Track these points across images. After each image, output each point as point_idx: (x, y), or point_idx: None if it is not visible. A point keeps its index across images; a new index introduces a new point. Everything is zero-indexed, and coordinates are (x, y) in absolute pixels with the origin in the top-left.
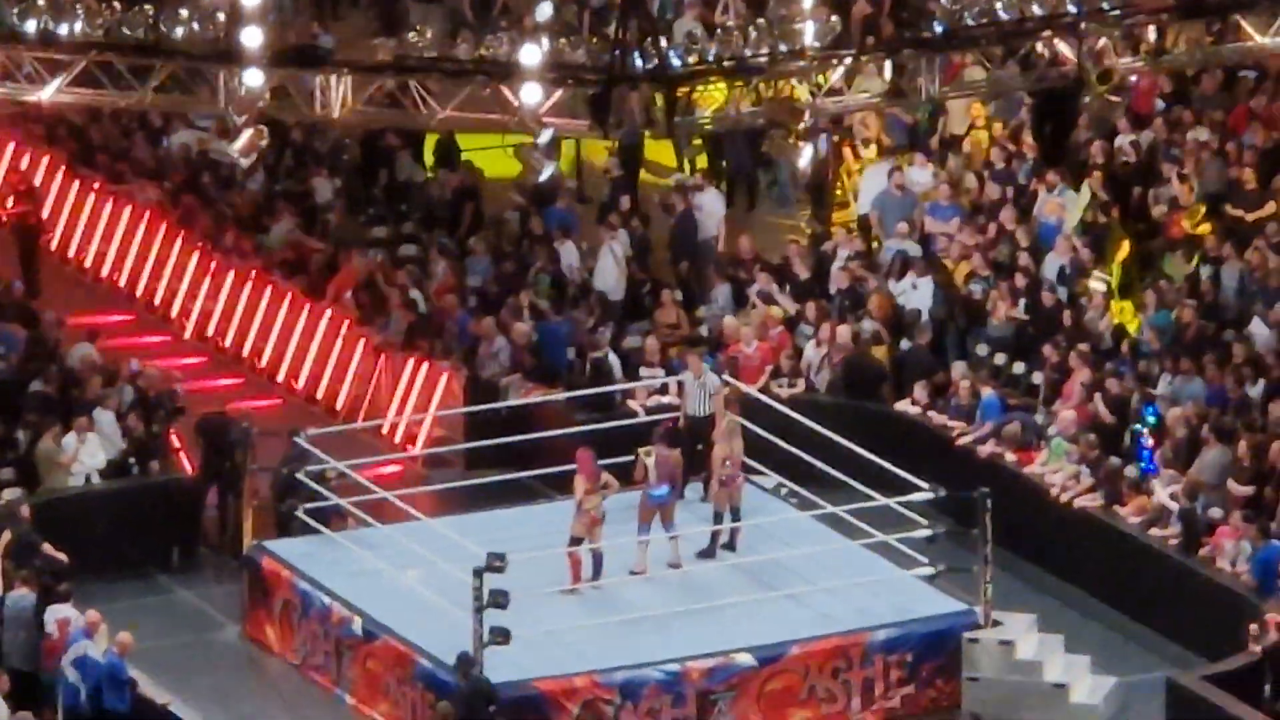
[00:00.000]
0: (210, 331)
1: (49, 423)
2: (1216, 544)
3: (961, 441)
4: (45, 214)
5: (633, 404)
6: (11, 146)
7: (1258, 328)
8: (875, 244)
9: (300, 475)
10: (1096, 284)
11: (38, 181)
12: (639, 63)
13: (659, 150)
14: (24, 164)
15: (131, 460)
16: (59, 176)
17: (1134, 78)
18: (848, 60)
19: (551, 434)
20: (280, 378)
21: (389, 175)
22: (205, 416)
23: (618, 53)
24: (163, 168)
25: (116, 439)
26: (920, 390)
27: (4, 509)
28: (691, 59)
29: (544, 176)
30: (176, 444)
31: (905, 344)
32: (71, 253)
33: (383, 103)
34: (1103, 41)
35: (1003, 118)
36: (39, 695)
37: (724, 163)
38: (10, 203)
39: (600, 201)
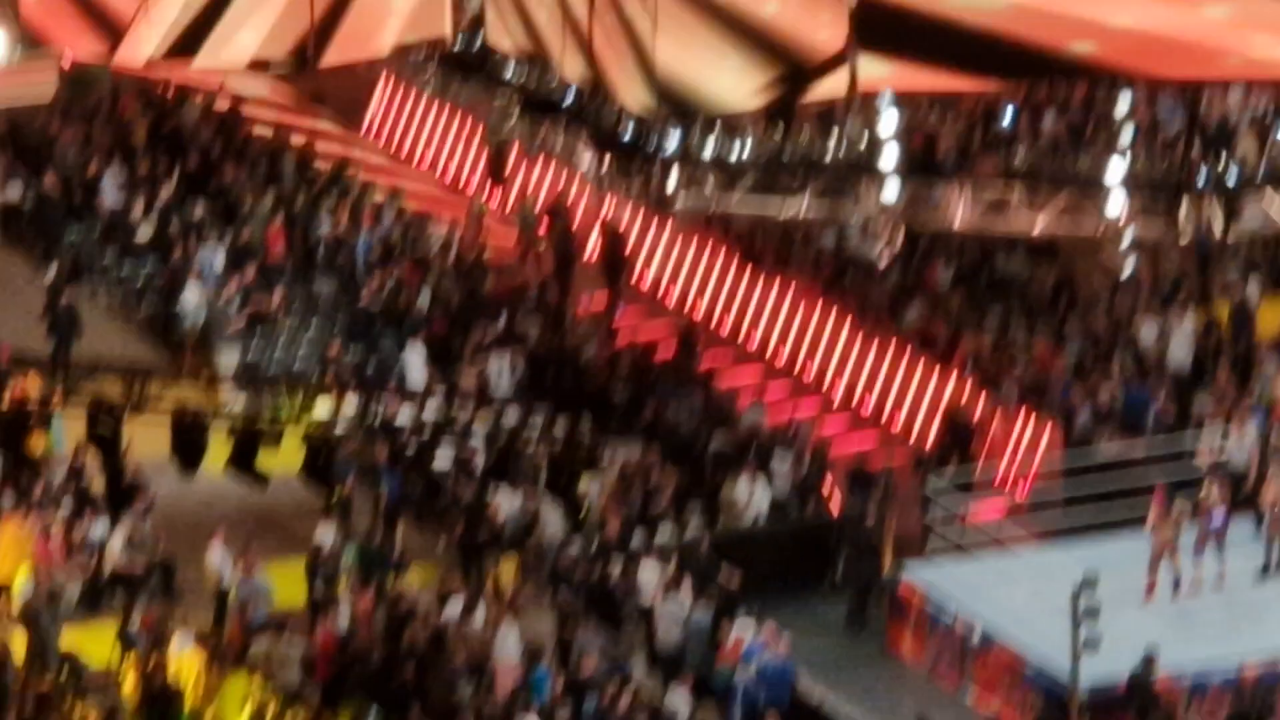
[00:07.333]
0: (854, 399)
1: (730, 474)
2: None
3: None
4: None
5: (1201, 453)
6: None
7: None
8: None
9: (931, 513)
10: None
11: (724, 277)
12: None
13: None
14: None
15: (791, 504)
16: (732, 268)
17: None
18: None
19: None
20: (912, 438)
21: (990, 271)
22: (855, 467)
23: (1185, 170)
24: (816, 265)
25: (783, 486)
26: None
27: (688, 544)
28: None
29: (1126, 273)
30: (827, 491)
31: None
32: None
33: (993, 212)
34: None
35: None
36: (712, 694)
37: None
38: None
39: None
